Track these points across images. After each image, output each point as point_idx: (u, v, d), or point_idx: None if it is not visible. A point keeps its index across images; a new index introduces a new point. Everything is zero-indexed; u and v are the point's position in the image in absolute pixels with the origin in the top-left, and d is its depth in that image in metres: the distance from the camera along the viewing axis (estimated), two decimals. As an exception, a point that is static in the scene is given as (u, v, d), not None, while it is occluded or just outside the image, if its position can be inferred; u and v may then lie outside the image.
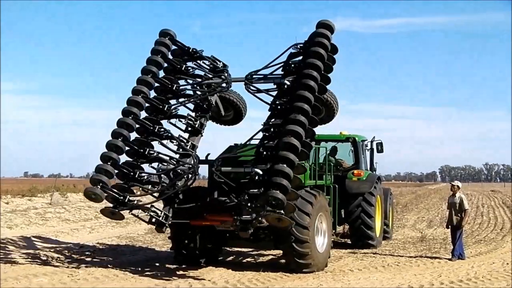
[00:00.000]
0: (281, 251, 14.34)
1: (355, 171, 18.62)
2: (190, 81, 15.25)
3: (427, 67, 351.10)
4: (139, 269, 13.86)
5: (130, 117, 13.72)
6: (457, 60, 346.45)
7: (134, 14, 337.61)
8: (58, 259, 15.10)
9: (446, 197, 32.16)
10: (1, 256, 15.13)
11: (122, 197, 12.96)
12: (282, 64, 14.03)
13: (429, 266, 15.20)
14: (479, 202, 44.84)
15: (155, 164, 13.88)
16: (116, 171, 13.31)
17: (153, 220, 13.13)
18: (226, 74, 15.07)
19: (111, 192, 12.96)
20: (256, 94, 14.21)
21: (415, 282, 12.71)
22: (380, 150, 20.76)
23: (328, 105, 15.30)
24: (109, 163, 13.19)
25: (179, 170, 13.72)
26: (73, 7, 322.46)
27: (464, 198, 16.59)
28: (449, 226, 16.74)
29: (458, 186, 16.65)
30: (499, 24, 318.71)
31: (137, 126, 13.86)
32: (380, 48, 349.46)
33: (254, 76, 14.27)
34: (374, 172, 20.39)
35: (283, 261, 14.47)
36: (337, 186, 16.69)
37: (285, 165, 11.74)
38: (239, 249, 16.63)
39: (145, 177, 13.61)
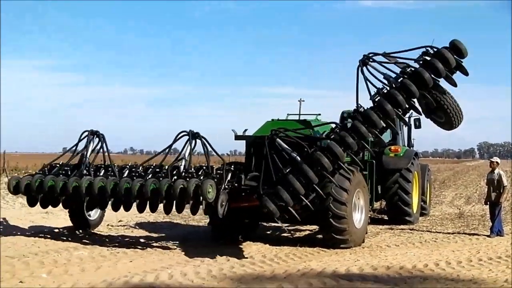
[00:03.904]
0: (318, 227, 14.32)
1: (392, 147, 18.41)
2: None
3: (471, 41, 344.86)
4: (177, 243, 13.98)
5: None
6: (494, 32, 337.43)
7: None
8: (98, 233, 15.30)
9: (484, 173, 31.71)
10: (44, 230, 15.39)
11: None
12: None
13: (467, 242, 15.07)
14: (518, 179, 44.26)
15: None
16: None
17: None
18: None
19: None
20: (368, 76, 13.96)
21: (453, 258, 12.61)
22: (418, 126, 20.56)
23: (448, 114, 15.24)
24: None
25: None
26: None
27: (503, 175, 16.39)
28: (488, 203, 16.58)
29: (497, 162, 16.46)
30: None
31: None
32: (395, 25, 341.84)
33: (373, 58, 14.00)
34: (411, 148, 20.21)
35: (320, 236, 14.48)
36: (374, 162, 16.60)
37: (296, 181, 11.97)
38: (276, 224, 16.65)
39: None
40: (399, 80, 13.31)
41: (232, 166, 13.42)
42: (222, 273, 10.67)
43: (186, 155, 13.84)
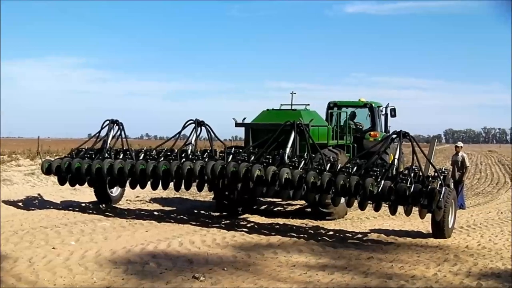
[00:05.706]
0: (306, 202, 14.32)
1: (372, 133, 18.41)
2: None
3: (431, 44, 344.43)
4: (187, 215, 13.99)
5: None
6: (456, 39, 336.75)
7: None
8: (119, 207, 15.30)
9: (450, 156, 31.76)
10: (73, 204, 15.39)
11: None
12: None
13: (435, 215, 15.06)
14: (478, 161, 44.30)
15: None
16: None
17: None
18: None
19: None
20: None
21: (423, 228, 12.65)
22: (393, 115, 20.46)
23: None
24: None
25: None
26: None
27: (466, 157, 16.43)
28: (452, 181, 16.58)
29: (461, 146, 16.53)
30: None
31: None
32: (390, 28, 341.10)
33: None
34: (388, 134, 20.16)
35: (308, 210, 14.48)
36: (355, 145, 16.60)
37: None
38: (271, 200, 16.66)
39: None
40: None
41: (233, 150, 13.42)
42: (225, 241, 10.68)
43: (193, 140, 13.87)
